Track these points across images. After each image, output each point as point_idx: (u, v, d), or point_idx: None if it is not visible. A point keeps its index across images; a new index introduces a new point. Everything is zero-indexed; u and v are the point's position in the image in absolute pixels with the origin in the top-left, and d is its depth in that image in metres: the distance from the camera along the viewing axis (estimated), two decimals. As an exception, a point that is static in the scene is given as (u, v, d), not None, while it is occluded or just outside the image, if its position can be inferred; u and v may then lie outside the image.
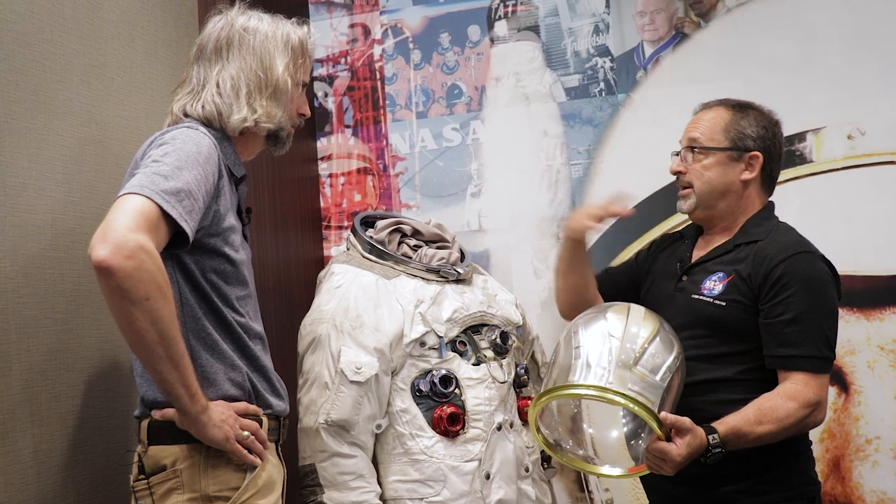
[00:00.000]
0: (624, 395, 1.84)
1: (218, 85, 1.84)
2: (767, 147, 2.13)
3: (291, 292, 2.95)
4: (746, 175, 2.12)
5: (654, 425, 1.85)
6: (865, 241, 2.70)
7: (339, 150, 3.21)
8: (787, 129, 2.67)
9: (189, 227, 1.61)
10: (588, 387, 1.87)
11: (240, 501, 1.72)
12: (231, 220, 1.79)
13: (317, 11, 3.22)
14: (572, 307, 2.30)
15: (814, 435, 2.31)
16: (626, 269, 2.40)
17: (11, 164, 1.81)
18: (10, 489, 1.75)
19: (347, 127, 3.20)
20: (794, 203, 2.70)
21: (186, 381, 1.61)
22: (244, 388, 1.78)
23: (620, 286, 2.35)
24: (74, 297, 1.96)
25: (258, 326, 1.86)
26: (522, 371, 2.32)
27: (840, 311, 2.09)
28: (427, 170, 3.13)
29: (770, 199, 2.20)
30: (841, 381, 2.71)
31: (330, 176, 3.21)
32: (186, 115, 1.86)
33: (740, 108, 2.17)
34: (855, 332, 2.70)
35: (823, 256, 2.08)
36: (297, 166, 3.13)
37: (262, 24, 1.90)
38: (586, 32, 2.99)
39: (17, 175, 1.82)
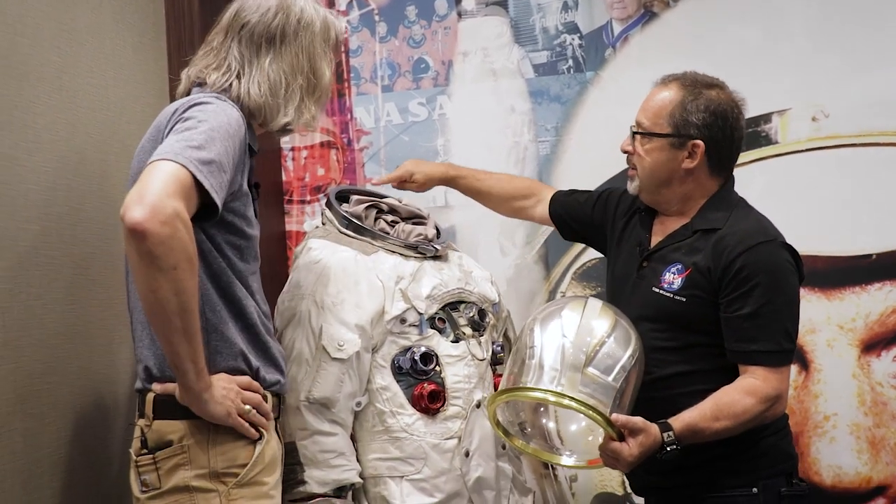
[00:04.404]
0: (574, 398, 1.85)
1: (269, 78, 1.80)
2: (713, 135, 2.05)
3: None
4: (688, 164, 2.07)
5: (606, 427, 1.85)
6: (827, 222, 2.74)
7: (301, 123, 3.14)
8: (754, 110, 2.70)
9: (219, 199, 1.58)
10: (539, 390, 1.89)
11: (248, 478, 1.69)
12: (246, 194, 1.77)
13: (279, -20, 3.13)
14: (505, 211, 2.61)
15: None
16: (581, 212, 2.42)
17: (-17, 132, 1.73)
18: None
19: (311, 99, 3.13)
20: (758, 183, 2.73)
21: (195, 357, 1.57)
22: (251, 365, 1.76)
23: (571, 220, 2.44)
24: (48, 272, 1.88)
25: (264, 304, 1.84)
26: (499, 348, 2.31)
27: (802, 291, 2.09)
28: (392, 144, 3.08)
29: (729, 177, 2.15)
30: (802, 360, 2.76)
31: (292, 149, 3.14)
32: (202, 85, 1.81)
33: (694, 88, 2.08)
34: (816, 312, 2.75)
35: (784, 242, 2.05)
36: (259, 139, 3.04)
37: (310, 13, 1.86)
38: (555, 9, 2.97)
39: (-11, 143, 1.74)
